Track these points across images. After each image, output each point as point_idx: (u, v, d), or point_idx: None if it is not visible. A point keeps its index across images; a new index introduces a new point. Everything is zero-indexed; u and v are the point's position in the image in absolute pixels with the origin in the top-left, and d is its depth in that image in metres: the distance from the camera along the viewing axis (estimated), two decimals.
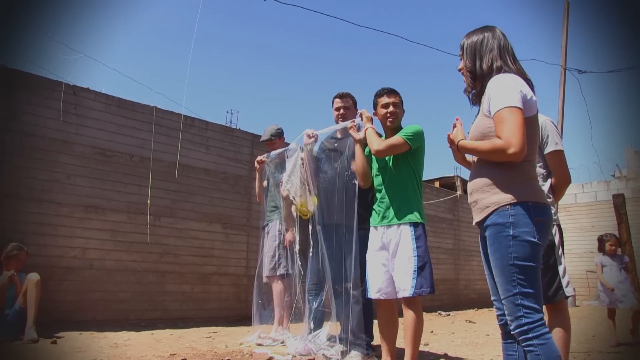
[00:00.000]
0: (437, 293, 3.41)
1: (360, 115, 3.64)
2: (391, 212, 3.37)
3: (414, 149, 3.40)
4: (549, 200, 2.94)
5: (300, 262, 4.37)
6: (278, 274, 4.82)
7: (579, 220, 14.31)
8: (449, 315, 9.69)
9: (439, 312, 9.94)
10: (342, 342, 3.91)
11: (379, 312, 3.50)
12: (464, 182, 14.84)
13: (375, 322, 3.68)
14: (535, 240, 1.99)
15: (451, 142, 2.34)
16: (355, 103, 4.32)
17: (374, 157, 3.55)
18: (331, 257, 3.91)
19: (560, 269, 3.01)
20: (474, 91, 2.27)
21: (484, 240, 2.15)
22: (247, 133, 8.13)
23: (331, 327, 4.00)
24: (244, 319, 6.87)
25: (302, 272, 4.33)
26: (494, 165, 2.12)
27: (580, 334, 6.16)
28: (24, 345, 4.33)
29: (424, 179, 3.62)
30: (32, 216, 5.65)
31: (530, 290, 1.97)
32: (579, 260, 13.43)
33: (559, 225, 3.15)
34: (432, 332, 6.39)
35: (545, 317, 2.26)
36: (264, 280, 4.94)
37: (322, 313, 4.11)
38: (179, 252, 6.91)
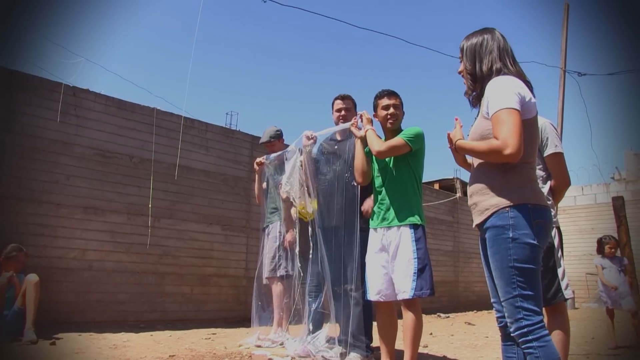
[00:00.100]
0: (437, 295, 3.41)
1: (361, 117, 3.64)
2: (391, 214, 3.37)
3: (414, 151, 3.40)
4: (548, 202, 2.95)
5: (300, 264, 4.37)
6: (278, 275, 4.82)
7: (579, 223, 14.31)
8: (448, 317, 9.68)
9: (438, 314, 9.94)
10: (341, 344, 3.91)
11: (378, 314, 3.50)
12: (464, 184, 14.85)
13: (375, 324, 3.68)
14: (534, 242, 1.99)
15: (450, 141, 2.35)
16: (355, 105, 4.33)
17: (374, 159, 3.55)
18: (330, 259, 3.91)
19: (560, 271, 3.01)
20: (474, 93, 2.28)
21: (484, 243, 2.15)
22: (247, 135, 8.13)
23: (330, 328, 4.00)
24: (243, 321, 6.87)
25: (302, 274, 4.33)
26: (494, 167, 2.12)
27: (579, 336, 6.16)
28: (23, 347, 4.32)
29: (423, 180, 3.62)
30: (31, 217, 5.65)
31: (530, 293, 1.97)
32: (578, 262, 13.43)
33: (558, 228, 3.15)
34: (431, 334, 6.39)
35: (545, 320, 2.26)
36: (264, 281, 4.94)
37: (321, 315, 4.11)
38: (179, 254, 6.90)
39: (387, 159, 3.45)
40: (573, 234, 13.75)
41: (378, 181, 3.50)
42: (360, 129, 3.66)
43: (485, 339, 6.13)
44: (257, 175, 5.09)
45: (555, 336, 2.88)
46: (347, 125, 3.83)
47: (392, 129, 3.51)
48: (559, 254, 3.06)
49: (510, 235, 2.00)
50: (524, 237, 1.99)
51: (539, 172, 3.04)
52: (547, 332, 1.96)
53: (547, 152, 3.03)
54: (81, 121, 6.18)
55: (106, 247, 6.22)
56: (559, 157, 3.04)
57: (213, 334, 5.69)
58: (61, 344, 4.54)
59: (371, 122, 3.57)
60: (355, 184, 3.86)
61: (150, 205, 6.61)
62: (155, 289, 6.60)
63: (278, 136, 5.18)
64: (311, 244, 4.13)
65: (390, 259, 3.33)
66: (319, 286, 4.13)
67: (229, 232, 7.55)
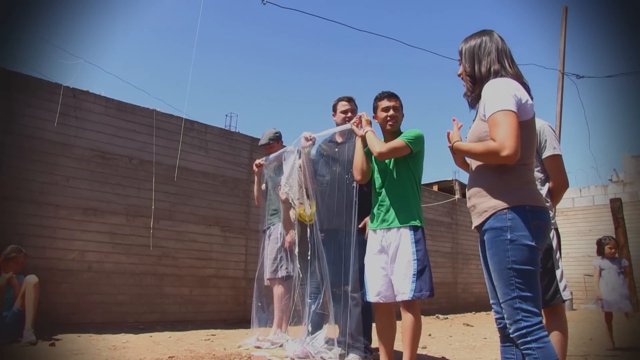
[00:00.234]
0: (435, 296, 3.41)
1: (360, 118, 3.64)
2: (391, 215, 3.38)
3: (414, 153, 3.41)
4: (546, 204, 2.96)
5: (299, 265, 4.38)
6: (279, 276, 4.82)
7: (577, 224, 14.34)
8: (446, 318, 9.70)
9: (437, 315, 9.95)
10: (341, 345, 3.92)
11: (377, 315, 3.50)
12: (463, 186, 14.88)
13: (373, 325, 3.69)
14: (532, 244, 2.00)
15: (450, 141, 2.37)
16: (356, 107, 4.36)
17: (374, 160, 3.56)
18: (329, 261, 3.93)
19: (558, 272, 3.03)
20: (473, 95, 2.29)
21: (483, 244, 2.16)
22: (246, 136, 8.14)
23: (329, 330, 4.01)
24: (243, 322, 6.88)
25: (301, 275, 4.34)
26: (492, 169, 2.13)
27: (577, 338, 6.17)
28: (22, 348, 4.33)
29: (422, 182, 3.64)
30: (30, 218, 5.66)
31: (528, 294, 1.98)
32: (576, 264, 13.45)
33: (556, 229, 3.16)
34: (430, 335, 6.40)
35: (543, 321, 2.27)
36: (265, 282, 4.95)
37: (320, 316, 4.12)
38: (178, 255, 6.91)
39: (387, 161, 3.46)
40: (571, 235, 13.77)
41: (378, 182, 3.51)
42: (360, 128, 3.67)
43: (484, 340, 6.14)
44: (256, 177, 5.10)
45: (554, 337, 2.89)
46: (347, 126, 3.83)
47: (391, 131, 3.52)
48: (557, 255, 3.08)
49: (508, 237, 2.01)
50: (522, 239, 2.00)
51: (538, 174, 3.05)
52: (546, 333, 1.97)
53: (545, 154, 3.04)
54: (81, 122, 6.19)
55: (105, 248, 6.22)
56: (557, 159, 3.05)
57: (212, 335, 5.70)
58: (60, 345, 4.54)
59: (370, 123, 3.58)
60: (355, 186, 3.87)
61: (152, 206, 6.62)
62: (154, 290, 6.61)
63: (277, 138, 5.19)
64: (309, 245, 4.14)
65: (390, 261, 3.34)
66: (318, 287, 4.14)
67: (228, 234, 7.56)
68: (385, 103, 3.52)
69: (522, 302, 1.98)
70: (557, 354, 1.97)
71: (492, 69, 2.19)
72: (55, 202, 5.86)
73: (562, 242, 3.25)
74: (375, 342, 3.76)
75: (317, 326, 4.15)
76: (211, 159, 7.54)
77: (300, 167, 4.17)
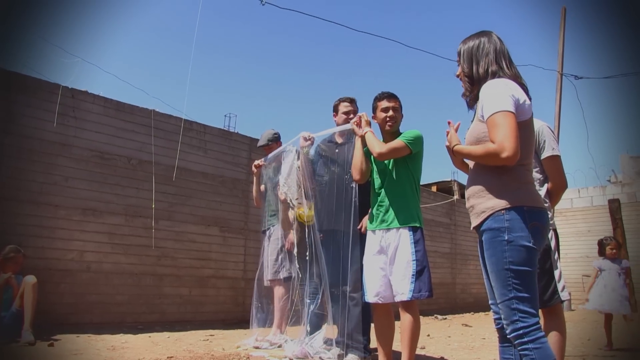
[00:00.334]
0: (434, 297, 3.42)
1: (360, 118, 3.64)
2: (390, 216, 3.38)
3: (413, 153, 3.42)
4: (545, 205, 2.97)
5: (298, 266, 4.39)
6: (281, 277, 4.83)
7: (575, 225, 14.36)
8: (445, 318, 9.71)
9: (435, 315, 9.96)
10: (339, 345, 3.93)
11: (375, 316, 3.51)
12: (461, 187, 14.88)
13: (372, 325, 3.70)
14: (530, 244, 2.00)
15: (449, 141, 2.37)
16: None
17: (373, 160, 3.56)
18: (328, 261, 3.93)
19: (556, 273, 3.04)
20: (471, 95, 2.30)
21: (482, 245, 2.16)
22: (245, 137, 8.15)
23: (328, 330, 4.01)
24: (242, 322, 6.88)
25: (300, 276, 4.34)
26: (490, 170, 2.14)
27: (575, 338, 6.18)
28: (21, 348, 4.32)
29: (421, 183, 3.64)
30: (29, 219, 5.65)
31: (525, 295, 1.98)
32: (574, 264, 13.46)
33: (555, 230, 3.17)
34: (428, 335, 6.40)
35: (541, 321, 2.28)
36: (266, 283, 4.95)
37: (319, 316, 4.13)
38: (177, 255, 6.91)
39: (386, 161, 3.47)
40: (570, 236, 13.79)
41: (377, 183, 3.51)
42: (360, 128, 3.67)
43: (483, 340, 6.15)
44: (255, 178, 5.11)
45: (552, 337, 2.90)
46: (347, 126, 3.83)
47: (390, 132, 3.52)
48: (555, 256, 3.09)
49: (506, 237, 2.02)
50: (520, 240, 2.00)
51: (536, 175, 3.05)
52: (543, 333, 1.97)
53: (544, 155, 3.04)
54: (80, 123, 6.19)
55: (104, 248, 6.22)
56: (555, 159, 3.06)
57: (211, 335, 5.70)
58: (59, 345, 4.54)
59: (370, 124, 3.58)
60: (354, 186, 3.87)
61: (153, 207, 6.63)
62: (153, 290, 6.61)
63: (276, 139, 5.20)
64: (307, 245, 4.14)
65: (389, 261, 3.34)
66: (317, 288, 4.14)
67: (227, 234, 7.56)
68: (384, 103, 3.52)
69: (519, 303, 1.98)
70: (554, 354, 1.97)
71: (489, 70, 2.20)
72: (54, 202, 5.86)
73: (560, 243, 3.26)
74: (373, 342, 3.76)
75: (315, 326, 4.15)
76: (210, 159, 7.54)
77: (298, 167, 4.17)
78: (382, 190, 3.47)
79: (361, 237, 3.75)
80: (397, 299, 3.29)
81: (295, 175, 4.17)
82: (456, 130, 2.38)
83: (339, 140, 4.30)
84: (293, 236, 4.56)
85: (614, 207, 10.84)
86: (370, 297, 3.40)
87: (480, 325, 8.31)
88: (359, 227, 3.82)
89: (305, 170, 4.10)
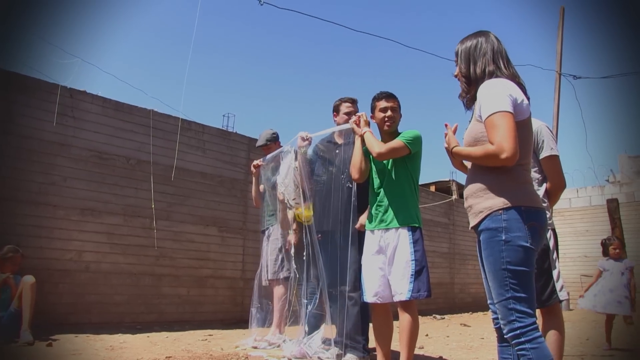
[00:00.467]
0: (433, 297, 3.42)
1: (359, 118, 3.64)
2: (389, 216, 3.38)
3: (412, 153, 3.42)
4: (544, 204, 2.97)
5: (295, 266, 4.39)
6: (280, 277, 4.83)
7: (574, 225, 14.37)
8: (444, 318, 9.71)
9: (434, 315, 9.97)
10: (338, 345, 3.93)
11: (374, 316, 3.51)
12: (460, 186, 14.90)
13: (371, 325, 3.70)
14: (528, 244, 2.01)
15: (448, 142, 2.37)
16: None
17: (372, 160, 3.56)
18: (326, 261, 3.93)
19: (555, 273, 3.04)
20: (468, 96, 2.30)
21: (480, 245, 2.17)
22: (244, 137, 8.14)
23: (326, 330, 4.01)
24: (240, 322, 6.88)
25: (298, 276, 4.35)
26: (488, 170, 2.14)
27: (574, 338, 6.19)
28: (19, 348, 4.32)
29: (420, 183, 3.64)
30: (28, 219, 5.65)
31: (522, 295, 1.99)
32: (573, 264, 13.48)
33: (553, 230, 3.17)
34: (427, 335, 6.41)
35: (540, 321, 2.28)
36: (264, 283, 4.95)
37: (317, 316, 4.12)
38: (175, 255, 6.91)
39: (385, 161, 3.47)
40: (568, 236, 13.80)
41: (376, 183, 3.51)
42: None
43: (481, 340, 6.16)
44: (254, 178, 5.11)
45: (550, 337, 2.90)
46: (346, 126, 3.83)
47: (389, 132, 3.52)
48: (554, 255, 3.09)
49: (503, 237, 2.02)
50: (517, 240, 2.01)
51: (535, 175, 3.06)
52: (540, 333, 1.98)
53: (542, 155, 3.05)
54: (78, 123, 6.18)
55: (103, 248, 6.22)
56: (554, 159, 3.06)
57: (210, 335, 5.70)
58: (58, 346, 4.53)
59: (369, 124, 3.58)
60: (351, 186, 3.87)
61: (153, 207, 6.63)
62: (151, 290, 6.60)
63: (274, 139, 5.20)
64: (304, 245, 4.14)
65: (388, 261, 3.34)
66: (315, 288, 4.14)
67: (225, 234, 7.56)
68: (383, 103, 3.53)
69: (516, 303, 1.98)
70: (551, 354, 1.98)
71: (487, 70, 2.20)
72: (53, 203, 5.86)
73: (559, 243, 3.26)
74: (372, 342, 3.77)
75: (314, 326, 4.15)
76: (209, 159, 7.54)
77: (296, 167, 4.16)
78: (381, 190, 3.47)
79: (359, 237, 3.74)
80: (396, 298, 3.29)
81: (292, 176, 4.17)
82: (454, 132, 2.38)
83: (339, 140, 4.29)
84: (292, 236, 4.56)
85: (613, 207, 10.84)
86: (369, 297, 3.40)
87: (479, 325, 8.31)
88: (357, 225, 3.82)
89: (303, 170, 4.10)
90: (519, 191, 2.08)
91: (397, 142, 3.37)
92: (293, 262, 4.42)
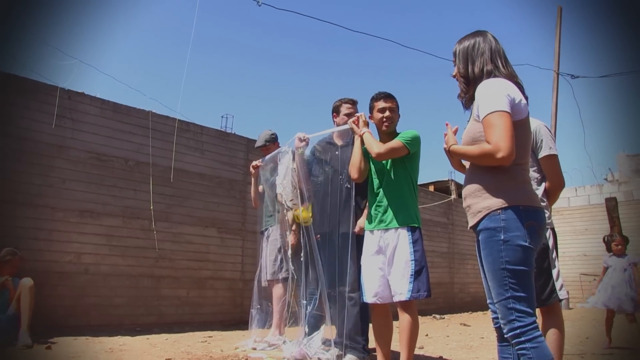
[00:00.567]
0: (432, 296, 3.42)
1: (358, 119, 3.64)
2: (389, 216, 3.38)
3: (411, 154, 3.43)
4: (542, 204, 2.97)
5: (293, 267, 4.39)
6: (280, 277, 4.83)
7: (573, 224, 14.39)
8: (443, 318, 9.71)
9: (433, 315, 9.97)
10: (338, 345, 3.92)
11: (373, 316, 3.51)
12: (459, 186, 14.91)
13: (370, 325, 3.69)
14: (526, 244, 2.01)
15: (447, 143, 2.37)
16: None
17: (371, 161, 3.56)
18: (325, 261, 3.93)
19: (554, 272, 3.04)
20: (467, 95, 2.30)
21: (479, 244, 2.17)
22: (242, 137, 8.14)
23: (326, 330, 4.01)
24: (240, 324, 6.87)
25: (296, 277, 4.34)
26: (486, 169, 2.14)
27: (574, 337, 6.19)
28: (18, 351, 4.31)
29: (418, 182, 3.64)
30: (26, 221, 5.64)
31: (522, 294, 1.99)
32: (572, 263, 13.50)
33: (552, 229, 3.18)
34: (427, 335, 6.41)
35: (539, 320, 2.27)
36: (264, 284, 4.94)
37: (317, 317, 4.12)
38: (175, 257, 6.90)
39: (384, 162, 3.47)
40: (567, 235, 13.81)
41: (375, 183, 3.51)
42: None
43: (481, 339, 6.16)
44: (253, 179, 5.10)
45: (550, 336, 2.91)
46: (345, 126, 3.82)
47: (387, 132, 3.52)
48: (553, 254, 3.09)
49: (502, 237, 2.02)
50: (516, 239, 2.00)
51: (534, 174, 3.06)
52: (540, 333, 1.98)
53: (541, 154, 3.05)
54: (77, 124, 6.17)
55: (102, 250, 6.21)
56: (553, 159, 3.06)
57: (209, 337, 5.69)
58: (57, 348, 4.53)
59: (367, 124, 3.58)
60: (350, 186, 3.86)
61: (151, 208, 6.62)
62: (151, 292, 6.59)
63: (273, 140, 5.19)
64: (304, 246, 4.13)
65: (388, 261, 3.34)
66: (314, 289, 4.14)
67: (224, 235, 7.55)
68: (381, 104, 3.53)
69: (516, 302, 1.98)
70: (551, 353, 1.98)
71: (485, 69, 2.20)
72: (51, 205, 5.85)
73: (558, 242, 3.26)
74: (372, 343, 3.76)
75: (313, 327, 4.14)
76: (207, 161, 7.53)
77: (294, 168, 4.16)
78: (381, 190, 3.47)
79: (358, 238, 3.75)
80: (396, 299, 3.29)
81: (290, 177, 4.16)
82: (454, 134, 2.38)
83: (339, 142, 4.27)
84: (292, 237, 4.56)
85: (611, 205, 10.87)
86: (369, 298, 3.40)
87: (479, 325, 8.32)
88: (356, 230, 3.82)
89: (301, 171, 4.09)
90: (517, 191, 2.08)
91: (396, 142, 3.37)
92: (291, 263, 4.42)
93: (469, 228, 2.22)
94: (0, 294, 4.72)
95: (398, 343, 3.34)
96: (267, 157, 4.79)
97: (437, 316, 9.89)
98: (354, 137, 3.65)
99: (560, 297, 3.03)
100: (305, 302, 4.14)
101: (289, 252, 4.43)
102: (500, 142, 1.98)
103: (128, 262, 6.42)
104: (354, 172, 3.54)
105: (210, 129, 7.76)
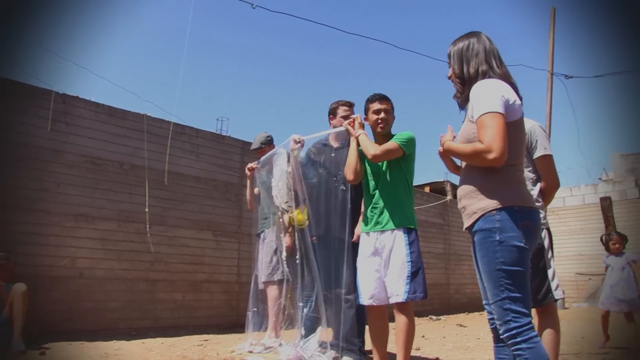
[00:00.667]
0: (428, 297, 3.42)
1: (353, 120, 3.64)
2: (385, 218, 3.38)
3: (406, 155, 3.43)
4: (538, 204, 2.98)
5: (288, 269, 4.38)
6: (275, 279, 4.82)
7: (568, 223, 14.43)
8: (440, 319, 9.72)
9: (430, 316, 9.97)
10: (334, 348, 3.92)
11: (369, 318, 3.51)
12: (454, 187, 14.92)
13: (367, 327, 3.69)
14: (522, 244, 2.01)
15: (442, 144, 2.38)
16: None
17: (366, 162, 3.56)
18: (321, 264, 3.92)
19: (550, 272, 3.05)
20: (463, 96, 2.31)
21: (474, 245, 2.17)
22: (238, 140, 8.12)
23: (322, 333, 4.01)
24: (236, 327, 6.85)
25: (291, 279, 4.34)
26: (481, 170, 2.14)
27: (569, 336, 6.20)
28: (11, 357, 4.28)
29: (414, 184, 3.65)
30: (21, 225, 5.60)
31: (518, 295, 1.99)
32: (568, 263, 13.53)
33: (548, 229, 3.18)
34: (423, 336, 6.40)
35: (535, 320, 2.28)
36: (260, 286, 4.94)
37: (313, 319, 4.12)
38: (170, 260, 6.87)
39: (380, 163, 3.47)
40: (563, 234, 13.86)
41: (371, 185, 3.52)
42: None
43: (477, 340, 6.16)
44: (248, 181, 5.10)
45: (546, 336, 2.91)
46: (340, 129, 3.82)
47: (382, 134, 3.53)
48: (549, 255, 3.10)
49: (497, 238, 2.02)
50: (511, 240, 2.01)
51: (529, 174, 3.07)
52: (535, 333, 1.98)
53: (536, 155, 3.06)
54: (71, 128, 6.14)
55: (97, 254, 6.17)
56: (548, 159, 3.07)
57: (205, 340, 5.68)
58: (51, 354, 4.50)
59: (363, 126, 3.59)
60: (345, 188, 3.86)
61: (147, 211, 6.59)
62: (146, 296, 6.57)
63: (269, 142, 5.20)
64: (300, 248, 4.13)
65: (384, 263, 3.34)
66: (310, 291, 4.13)
67: (220, 238, 7.54)
68: (376, 105, 3.53)
69: (512, 303, 1.98)
70: (547, 353, 1.98)
71: (480, 70, 2.21)
72: (46, 209, 5.81)
73: (553, 242, 3.27)
74: (368, 345, 3.76)
75: (310, 330, 4.14)
76: (203, 164, 7.52)
77: (289, 170, 4.16)
78: (376, 191, 3.47)
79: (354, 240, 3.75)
80: (392, 300, 3.29)
81: (285, 179, 4.16)
82: (452, 139, 2.38)
83: (335, 144, 4.27)
84: (287, 239, 4.56)
85: (606, 204, 10.93)
86: (365, 300, 3.40)
87: (475, 325, 8.33)
88: (353, 239, 3.82)
89: (296, 173, 4.08)
90: (512, 191, 2.09)
91: (391, 144, 3.38)
92: (286, 266, 4.42)
93: (464, 229, 2.23)
94: None
95: (394, 345, 3.34)
96: (262, 158, 4.79)
97: (434, 317, 9.89)
98: (349, 139, 3.66)
99: (556, 297, 3.04)
100: (301, 304, 4.14)
101: (283, 254, 4.44)
102: (492, 143, 1.99)
103: (123, 265, 6.39)
104: (349, 174, 3.54)
105: (206, 132, 7.75)
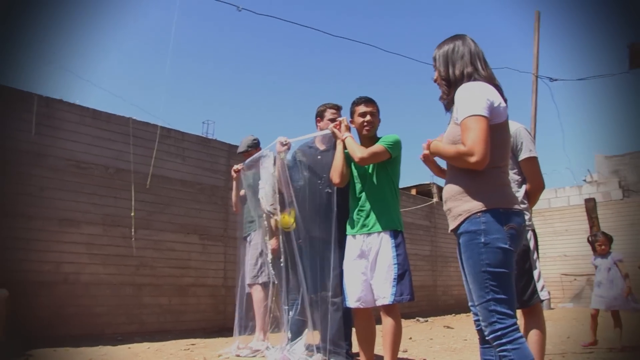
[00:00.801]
0: (415, 299, 3.43)
1: (339, 123, 3.65)
2: (371, 220, 3.39)
3: (393, 158, 3.44)
4: (523, 206, 3.00)
5: (274, 272, 4.37)
6: (259, 281, 4.81)
7: (553, 225, 14.57)
8: (427, 321, 9.74)
9: (417, 318, 9.99)
10: (321, 351, 3.91)
11: (356, 321, 3.51)
12: (440, 189, 14.96)
13: (354, 329, 3.69)
14: (506, 246, 2.02)
15: (427, 148, 2.38)
16: None
17: (353, 165, 3.57)
18: (307, 267, 3.91)
19: (535, 273, 3.07)
20: (448, 98, 2.32)
21: (460, 247, 2.18)
22: (224, 143, 8.10)
23: (309, 336, 4.00)
24: (223, 330, 6.82)
25: (276, 282, 4.33)
26: (466, 172, 2.15)
27: (555, 336, 6.25)
28: None
29: (400, 186, 3.66)
30: (3, 231, 5.52)
31: (503, 296, 2.00)
32: (553, 263, 13.65)
33: (533, 230, 3.21)
34: (410, 338, 6.42)
35: (521, 321, 2.29)
36: (247, 290, 4.92)
37: (300, 322, 4.11)
38: (156, 264, 6.82)
39: (366, 166, 3.48)
40: (548, 235, 13.98)
41: (357, 187, 3.52)
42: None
43: (464, 341, 6.19)
44: (234, 183, 5.08)
45: (532, 337, 2.93)
46: (326, 131, 3.82)
47: (368, 136, 3.54)
48: (534, 256, 3.12)
49: (482, 240, 2.03)
50: (496, 242, 2.02)
51: (514, 176, 3.09)
52: (521, 334, 1.99)
53: (521, 157, 3.08)
54: (55, 132, 6.07)
55: (82, 259, 6.11)
56: (533, 161, 3.10)
57: (192, 344, 5.64)
58: None
59: (349, 129, 3.59)
60: (330, 191, 3.86)
61: (132, 215, 6.53)
62: (132, 300, 6.51)
63: (255, 145, 5.18)
64: (284, 251, 4.11)
65: (370, 266, 3.35)
66: (296, 294, 4.12)
67: (206, 242, 7.50)
68: (362, 108, 3.54)
69: (497, 305, 2.00)
70: (532, 354, 1.99)
71: (465, 72, 2.22)
72: (29, 213, 5.73)
73: (539, 243, 3.30)
74: (355, 347, 3.76)
75: (296, 333, 4.13)
76: (188, 167, 7.48)
77: (274, 173, 4.15)
78: (363, 194, 3.48)
79: (340, 242, 3.74)
80: (379, 303, 3.29)
81: (271, 181, 4.15)
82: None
83: (322, 146, 4.27)
84: (273, 242, 4.54)
85: (590, 206, 11.04)
86: (352, 302, 3.40)
87: (462, 327, 8.36)
88: None
89: (282, 175, 4.08)
90: (497, 193, 2.10)
91: (378, 147, 3.39)
92: (271, 268, 4.41)
93: (449, 231, 2.23)
94: None
95: (382, 347, 3.34)
96: (248, 160, 4.77)
97: (421, 319, 9.92)
98: (336, 142, 3.66)
99: (542, 298, 3.06)
100: (287, 307, 4.13)
101: (269, 257, 4.43)
102: (474, 146, 2.00)
103: (109, 270, 6.33)
104: (335, 177, 3.54)
105: (192, 135, 7.71)
